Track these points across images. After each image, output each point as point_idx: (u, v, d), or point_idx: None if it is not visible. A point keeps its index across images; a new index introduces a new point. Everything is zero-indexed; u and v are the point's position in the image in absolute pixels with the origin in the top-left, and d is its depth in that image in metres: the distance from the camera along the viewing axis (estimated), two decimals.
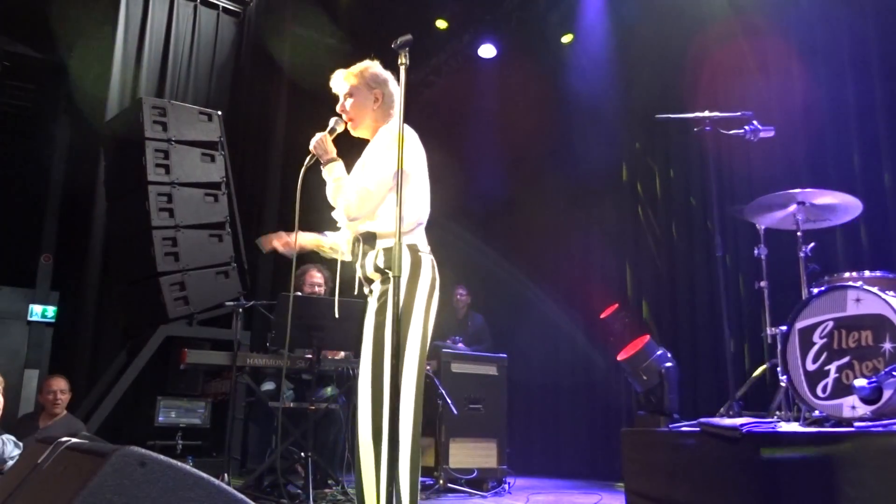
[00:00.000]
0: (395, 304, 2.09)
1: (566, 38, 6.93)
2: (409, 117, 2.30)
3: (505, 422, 5.13)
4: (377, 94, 2.67)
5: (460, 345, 5.89)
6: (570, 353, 6.68)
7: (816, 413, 3.05)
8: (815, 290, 3.25)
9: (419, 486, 2.38)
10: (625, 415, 5.99)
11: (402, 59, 2.25)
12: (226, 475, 3.88)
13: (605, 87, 6.44)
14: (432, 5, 7.18)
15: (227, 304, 4.53)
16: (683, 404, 3.92)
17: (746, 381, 4.06)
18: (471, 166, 7.32)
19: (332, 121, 2.67)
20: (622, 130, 6.54)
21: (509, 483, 4.98)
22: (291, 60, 7.33)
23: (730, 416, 3.42)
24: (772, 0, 5.27)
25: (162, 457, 1.46)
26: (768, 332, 3.72)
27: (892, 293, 3.00)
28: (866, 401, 2.78)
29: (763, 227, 3.90)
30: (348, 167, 2.64)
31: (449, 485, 4.64)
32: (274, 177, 7.11)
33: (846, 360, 3.01)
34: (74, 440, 1.79)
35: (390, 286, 2.15)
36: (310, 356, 4.12)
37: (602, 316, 5.28)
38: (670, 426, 3.40)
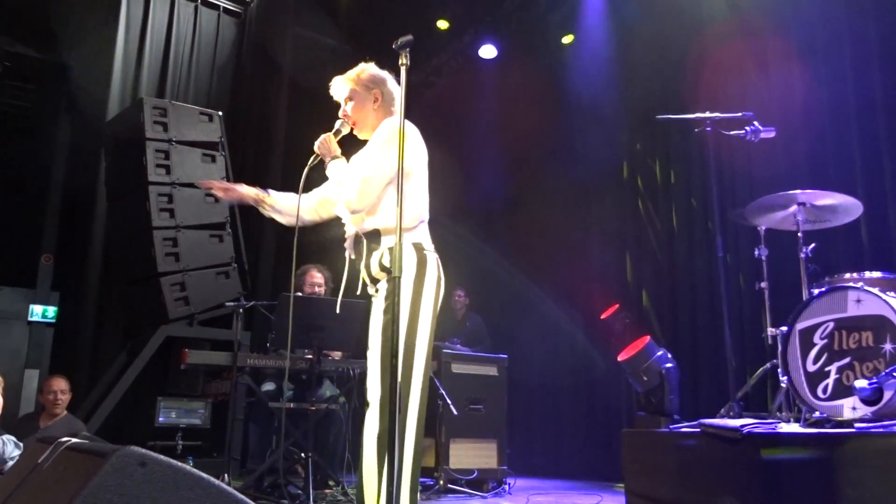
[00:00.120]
0: (396, 303, 2.09)
1: (567, 39, 6.93)
2: (410, 117, 2.31)
3: (505, 422, 5.13)
4: (376, 94, 2.68)
5: (458, 345, 5.89)
6: (570, 353, 6.68)
7: (817, 414, 3.04)
8: (816, 291, 3.25)
9: (419, 487, 2.37)
10: (625, 415, 5.99)
11: (403, 60, 2.25)
12: (226, 475, 3.88)
13: (606, 87, 6.44)
14: (433, 6, 7.18)
15: (228, 304, 4.53)
16: (684, 405, 3.91)
17: (747, 381, 4.06)
18: (471, 166, 7.32)
19: (338, 123, 2.71)
20: (623, 131, 6.55)
21: (509, 484, 4.97)
22: (292, 61, 7.34)
23: (730, 417, 3.42)
24: (772, 0, 5.27)
25: (162, 457, 1.45)
26: (769, 332, 3.72)
27: (892, 294, 2.99)
28: (867, 402, 2.78)
29: (763, 228, 3.90)
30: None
31: (449, 485, 4.64)
32: (274, 177, 7.11)
33: (847, 360, 3.01)
34: (74, 440, 1.79)
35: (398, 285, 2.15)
36: (310, 356, 4.11)
37: (602, 316, 5.28)
38: (671, 427, 3.40)
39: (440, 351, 5.04)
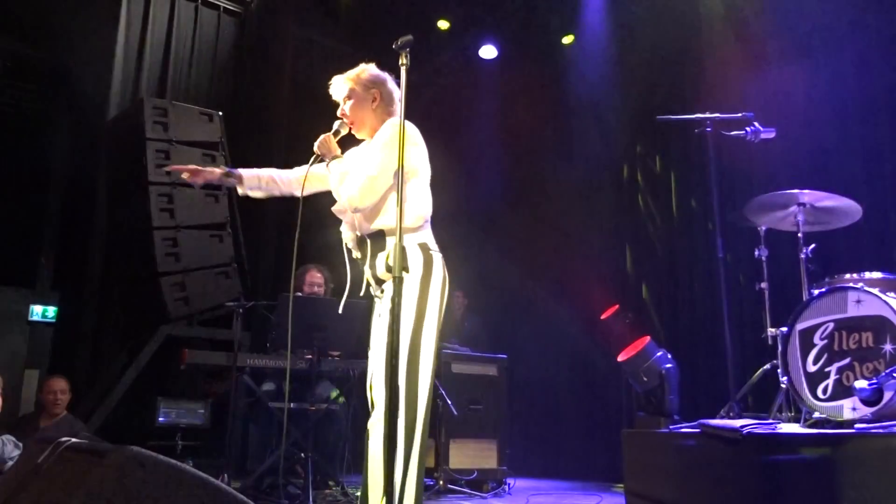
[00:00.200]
0: (397, 303, 2.09)
1: (567, 39, 6.94)
2: (410, 118, 2.31)
3: (505, 422, 5.13)
4: (375, 94, 2.68)
5: (456, 346, 5.89)
6: (570, 353, 6.68)
7: (817, 414, 3.04)
8: (816, 292, 3.25)
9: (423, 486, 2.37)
10: (625, 416, 5.98)
11: (403, 60, 2.25)
12: (226, 476, 3.88)
13: (606, 87, 6.44)
14: (433, 6, 7.17)
15: (228, 304, 4.54)
16: (684, 405, 3.92)
17: (747, 382, 4.06)
18: (471, 167, 7.32)
19: (336, 123, 2.70)
20: (623, 131, 6.55)
21: (509, 484, 4.97)
22: (292, 61, 7.33)
23: (730, 418, 3.42)
24: (772, 0, 5.27)
25: (162, 457, 1.45)
26: (769, 333, 3.72)
27: (892, 294, 3.00)
28: (867, 402, 2.78)
29: (764, 228, 3.90)
30: None
31: (449, 486, 4.64)
32: None
33: (847, 361, 3.01)
34: (74, 440, 1.79)
35: (404, 286, 2.15)
36: (310, 356, 4.11)
37: (602, 317, 5.27)
38: (671, 427, 3.40)
39: (440, 351, 5.04)
